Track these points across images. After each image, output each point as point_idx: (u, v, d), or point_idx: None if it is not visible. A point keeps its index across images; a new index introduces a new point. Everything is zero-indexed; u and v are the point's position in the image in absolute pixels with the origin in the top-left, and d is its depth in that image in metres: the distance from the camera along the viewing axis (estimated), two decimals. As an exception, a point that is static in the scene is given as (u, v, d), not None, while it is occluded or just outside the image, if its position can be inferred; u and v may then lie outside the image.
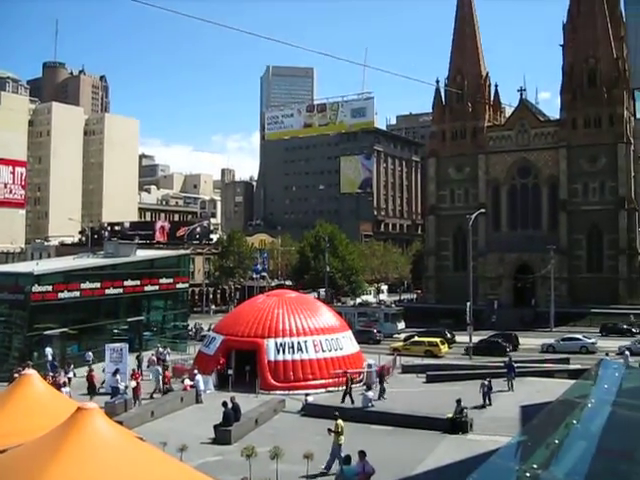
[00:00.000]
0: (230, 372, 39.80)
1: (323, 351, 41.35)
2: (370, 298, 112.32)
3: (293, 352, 40.56)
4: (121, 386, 35.90)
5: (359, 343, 47.73)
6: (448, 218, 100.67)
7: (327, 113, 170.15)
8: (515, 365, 41.50)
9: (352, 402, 35.24)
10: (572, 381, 28.86)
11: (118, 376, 36.53)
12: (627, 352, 53.85)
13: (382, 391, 37.49)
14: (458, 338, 68.10)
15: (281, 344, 40.61)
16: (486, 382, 35.81)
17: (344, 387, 36.95)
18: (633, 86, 29.01)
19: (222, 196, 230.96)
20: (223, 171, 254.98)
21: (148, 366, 43.22)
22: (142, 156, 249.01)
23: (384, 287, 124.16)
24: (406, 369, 48.34)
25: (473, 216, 69.91)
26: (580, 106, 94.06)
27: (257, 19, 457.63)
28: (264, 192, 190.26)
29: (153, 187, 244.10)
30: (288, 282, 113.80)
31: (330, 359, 41.41)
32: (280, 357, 40.29)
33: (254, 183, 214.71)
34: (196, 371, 38.14)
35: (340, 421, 25.18)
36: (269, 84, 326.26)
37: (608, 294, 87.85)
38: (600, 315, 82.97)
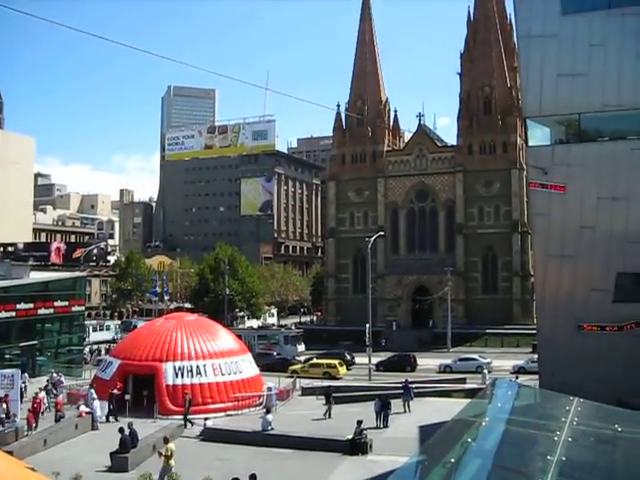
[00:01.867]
0: (127, 397, 38.84)
1: (222, 374, 40.85)
2: (272, 320, 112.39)
3: (192, 376, 39.92)
4: (12, 414, 34.48)
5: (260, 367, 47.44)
6: (348, 241, 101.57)
7: (228, 135, 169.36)
8: (413, 386, 41.95)
9: (191, 425, 35.12)
10: (468, 400, 29.35)
11: (4, 404, 35.05)
12: (485, 371, 56.20)
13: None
14: (358, 359, 68.54)
15: (180, 368, 39.91)
16: (380, 399, 36.06)
17: (186, 408, 36.72)
18: (525, 115, 29.84)
19: (120, 217, 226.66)
20: (122, 191, 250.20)
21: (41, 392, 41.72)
22: (38, 175, 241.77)
23: (274, 311, 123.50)
24: (306, 391, 48.22)
25: (372, 239, 70.78)
26: (476, 132, 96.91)
27: (160, 38, 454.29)
28: (164, 213, 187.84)
29: (49, 207, 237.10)
30: (187, 305, 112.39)
31: (229, 383, 40.95)
32: (179, 381, 39.58)
33: (153, 204, 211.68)
34: (94, 396, 37.02)
35: (171, 445, 24.95)
36: (170, 104, 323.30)
37: (503, 315, 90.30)
38: (495, 335, 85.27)
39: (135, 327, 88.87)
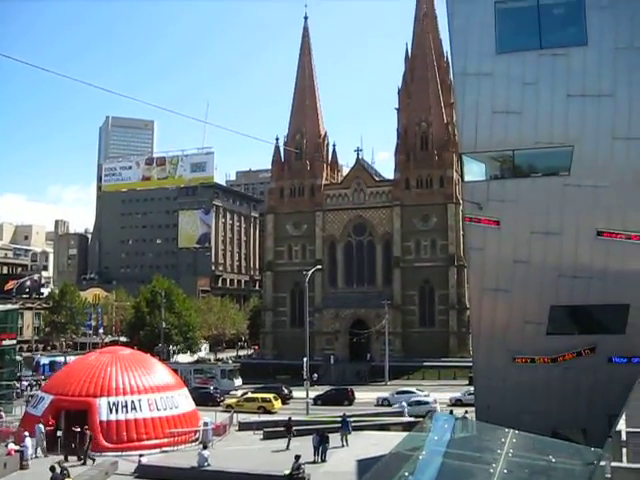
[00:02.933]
0: (59, 434, 37.77)
1: (158, 410, 40.13)
2: (203, 353, 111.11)
3: (127, 411, 39.12)
4: None
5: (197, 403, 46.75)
6: (285, 274, 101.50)
7: (166, 167, 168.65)
8: (351, 420, 41.81)
9: (92, 462, 34.46)
10: (406, 433, 29.42)
11: None
12: (404, 403, 56.44)
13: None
14: (296, 393, 68.22)
15: (114, 403, 39.09)
16: (318, 434, 35.86)
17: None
18: (461, 150, 30.39)
19: (55, 248, 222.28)
20: (57, 222, 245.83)
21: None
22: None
23: (204, 347, 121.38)
24: (243, 426, 47.69)
25: (310, 272, 70.86)
26: (413, 167, 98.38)
27: (98, 68, 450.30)
28: (99, 245, 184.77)
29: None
30: (123, 338, 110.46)
31: (165, 418, 40.24)
32: (113, 417, 38.73)
33: (89, 235, 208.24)
34: (26, 433, 35.86)
35: None
36: (108, 135, 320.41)
37: (440, 347, 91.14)
38: (433, 368, 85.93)
39: (38, 364, 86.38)
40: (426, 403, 60.24)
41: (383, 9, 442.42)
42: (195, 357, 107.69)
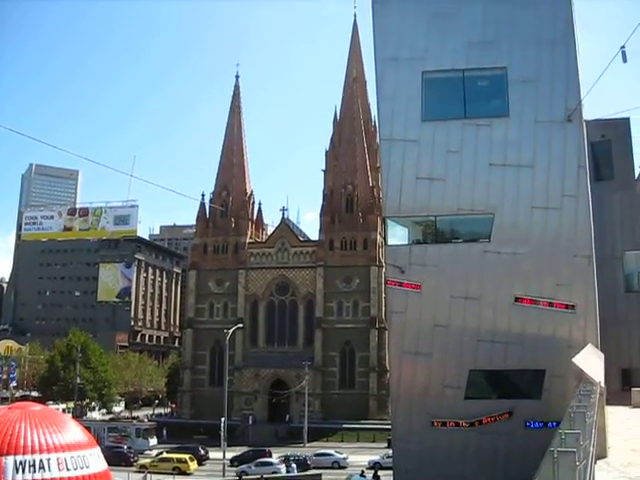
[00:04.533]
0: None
1: (68, 469, 38.29)
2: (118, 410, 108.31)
3: (34, 471, 37.22)
4: None
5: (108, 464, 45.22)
6: (206, 331, 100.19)
7: (89, 218, 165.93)
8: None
9: None
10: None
11: None
12: (293, 465, 56.41)
13: None
14: (213, 454, 66.87)
15: (21, 462, 37.16)
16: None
17: None
18: (385, 214, 30.89)
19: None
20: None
21: None
22: None
23: (119, 404, 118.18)
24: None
25: (231, 331, 70.29)
26: (338, 229, 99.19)
27: (22, 115, 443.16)
28: (15, 295, 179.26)
29: None
30: (35, 393, 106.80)
31: (75, 478, 38.73)
32: (19, 477, 36.93)
33: (4, 285, 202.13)
34: None
35: None
36: (30, 183, 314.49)
37: (360, 410, 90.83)
38: (352, 430, 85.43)
39: None
40: (270, 464, 61.61)
41: (315, 71, 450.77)
42: (110, 414, 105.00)
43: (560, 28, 30.69)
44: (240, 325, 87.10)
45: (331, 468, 62.66)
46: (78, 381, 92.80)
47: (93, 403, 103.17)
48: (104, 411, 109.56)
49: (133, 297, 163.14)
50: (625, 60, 22.34)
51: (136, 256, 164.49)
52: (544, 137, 29.62)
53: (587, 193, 29.32)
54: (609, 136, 40.36)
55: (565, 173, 29.25)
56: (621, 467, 12.61)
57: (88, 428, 50.92)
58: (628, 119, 41.88)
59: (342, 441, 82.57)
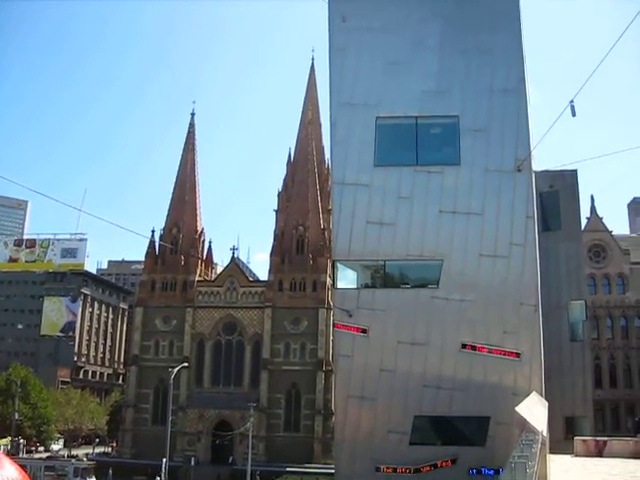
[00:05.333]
0: None
1: (0, 509, 37.47)
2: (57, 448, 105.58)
3: (-36, 510, 36.32)
4: None
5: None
6: (151, 369, 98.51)
7: (36, 250, 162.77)
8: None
9: None
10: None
11: None
12: None
13: None
14: (153, 496, 65.46)
15: (-49, 501, 36.26)
16: None
17: None
18: (334, 257, 30.94)
19: None
20: None
21: None
22: None
23: (58, 441, 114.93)
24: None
25: (176, 369, 69.17)
26: (287, 270, 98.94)
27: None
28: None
29: None
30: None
31: (7, 519, 37.57)
32: (-52, 516, 35.84)
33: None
34: None
35: None
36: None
37: (304, 453, 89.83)
38: (296, 474, 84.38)
39: None
40: None
41: (271, 112, 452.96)
42: (48, 452, 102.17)
43: (512, 79, 31.43)
44: (185, 364, 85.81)
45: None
46: (16, 417, 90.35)
47: (32, 440, 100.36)
48: (42, 449, 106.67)
49: (77, 332, 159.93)
50: (574, 114, 22.85)
51: (82, 290, 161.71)
52: (494, 186, 30.11)
53: (534, 242, 29.79)
54: (557, 187, 41.26)
55: (513, 222, 29.69)
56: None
57: (24, 466, 49.78)
58: (575, 171, 42.96)
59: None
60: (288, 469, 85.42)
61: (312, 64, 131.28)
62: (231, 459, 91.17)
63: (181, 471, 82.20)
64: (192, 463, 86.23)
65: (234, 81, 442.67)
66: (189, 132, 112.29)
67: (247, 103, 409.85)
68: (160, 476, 59.17)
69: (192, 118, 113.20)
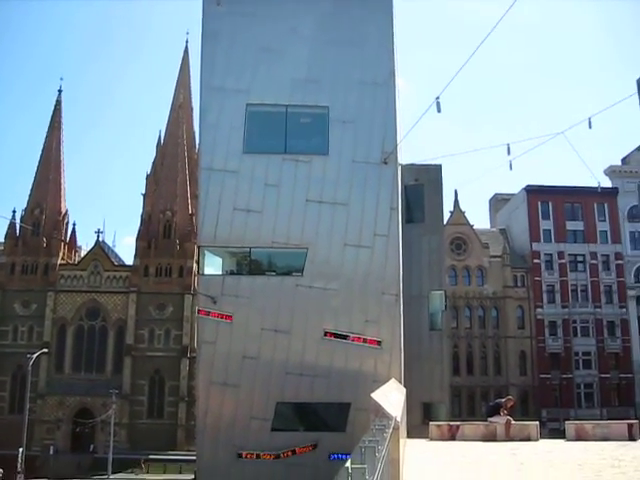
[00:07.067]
0: None
1: None
2: None
3: None
4: None
5: None
6: (8, 356, 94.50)
7: None
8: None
9: None
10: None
11: None
12: None
13: None
14: (6, 488, 63.17)
15: None
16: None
17: None
18: (199, 243, 30.75)
19: None
20: None
21: None
22: None
23: None
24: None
25: (35, 355, 66.94)
26: (154, 255, 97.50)
27: None
28: None
29: None
30: None
31: None
32: None
33: None
34: None
35: None
36: None
37: (168, 440, 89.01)
38: (159, 461, 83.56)
39: None
40: None
41: (142, 93, 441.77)
42: None
43: (382, 73, 32.00)
44: (45, 350, 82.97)
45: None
46: None
47: None
48: None
49: None
50: (439, 110, 23.48)
51: None
52: (360, 177, 30.61)
53: (398, 234, 30.53)
54: (422, 180, 42.32)
55: (378, 213, 30.30)
56: (413, 500, 13.03)
57: None
58: (440, 166, 44.24)
59: (148, 472, 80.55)
60: (151, 456, 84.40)
61: (186, 47, 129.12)
62: (92, 447, 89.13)
63: (39, 460, 79.62)
64: (51, 452, 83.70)
65: (104, 59, 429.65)
66: (55, 109, 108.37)
67: (118, 83, 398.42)
68: (17, 466, 57.12)
69: (59, 95, 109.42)
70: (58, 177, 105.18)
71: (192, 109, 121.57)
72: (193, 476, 65.54)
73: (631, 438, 24.31)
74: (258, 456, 29.43)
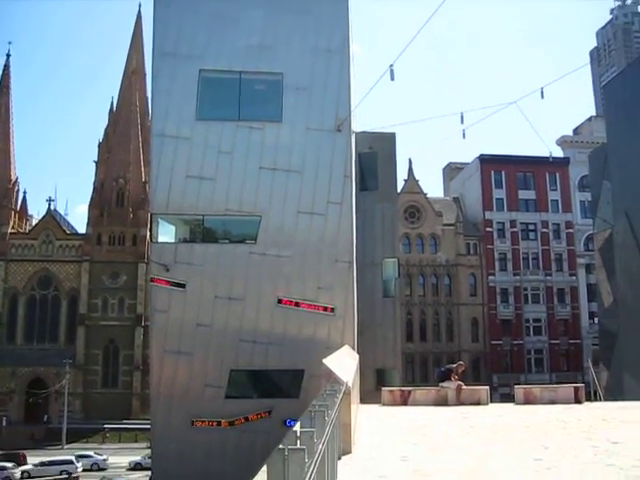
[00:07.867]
0: None
1: None
2: None
3: None
4: None
5: None
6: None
7: None
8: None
9: None
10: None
11: None
12: None
13: None
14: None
15: None
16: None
17: None
18: (152, 211, 30.47)
19: None
20: None
21: None
22: None
23: None
24: None
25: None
26: (107, 223, 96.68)
27: None
28: None
29: None
30: None
31: None
32: None
33: None
34: None
35: None
36: None
37: (123, 409, 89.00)
38: (114, 431, 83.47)
39: None
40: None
41: (93, 58, 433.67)
42: None
43: (336, 40, 31.78)
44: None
45: (90, 470, 60.84)
46: None
47: None
48: None
49: None
50: (392, 78, 23.48)
51: None
52: (314, 144, 30.51)
53: (351, 201, 30.57)
54: (376, 149, 42.42)
55: (332, 181, 30.27)
56: (364, 461, 13.25)
57: None
58: (394, 134, 44.37)
59: (103, 442, 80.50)
60: (106, 426, 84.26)
61: (139, 12, 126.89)
62: (46, 418, 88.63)
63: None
64: (3, 423, 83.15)
65: (55, 23, 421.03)
66: (4, 74, 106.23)
67: (69, 47, 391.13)
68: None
69: (7, 59, 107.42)
70: (7, 144, 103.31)
71: (145, 75, 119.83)
72: (148, 444, 65.98)
73: (577, 401, 24.92)
74: (211, 423, 29.52)
